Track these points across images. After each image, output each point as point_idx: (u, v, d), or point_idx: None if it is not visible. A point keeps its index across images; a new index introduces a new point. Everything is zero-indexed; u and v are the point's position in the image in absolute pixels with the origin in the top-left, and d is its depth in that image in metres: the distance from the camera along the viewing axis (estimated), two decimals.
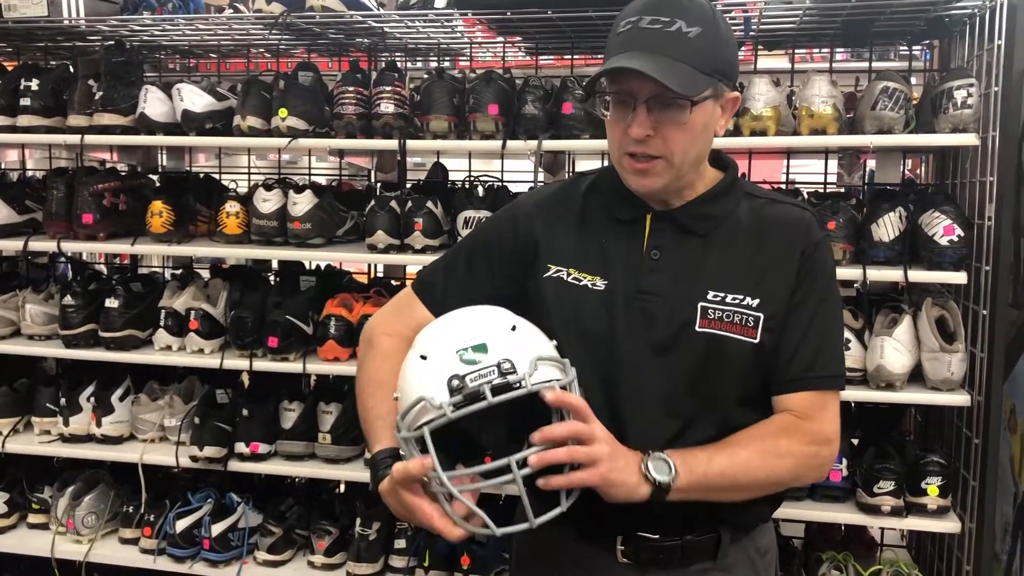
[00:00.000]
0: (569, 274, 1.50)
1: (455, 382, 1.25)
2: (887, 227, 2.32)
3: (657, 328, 1.44)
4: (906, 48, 2.83)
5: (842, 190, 2.86)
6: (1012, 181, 2.25)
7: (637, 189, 1.45)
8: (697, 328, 1.43)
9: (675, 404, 1.44)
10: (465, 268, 1.59)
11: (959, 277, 2.28)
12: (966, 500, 2.34)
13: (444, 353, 1.29)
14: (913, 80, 2.63)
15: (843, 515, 2.39)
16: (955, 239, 2.25)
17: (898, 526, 2.48)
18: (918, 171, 3.19)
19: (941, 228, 2.26)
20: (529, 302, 1.51)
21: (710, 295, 1.44)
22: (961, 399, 2.30)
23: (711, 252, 1.47)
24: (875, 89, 2.30)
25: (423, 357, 1.32)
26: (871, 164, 2.94)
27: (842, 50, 3.02)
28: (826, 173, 2.93)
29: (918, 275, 2.29)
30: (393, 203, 2.60)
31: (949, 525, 2.33)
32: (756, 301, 1.43)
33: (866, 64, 2.73)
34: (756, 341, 1.43)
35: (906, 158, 2.90)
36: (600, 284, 1.48)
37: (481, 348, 1.28)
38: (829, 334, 1.50)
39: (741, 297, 1.44)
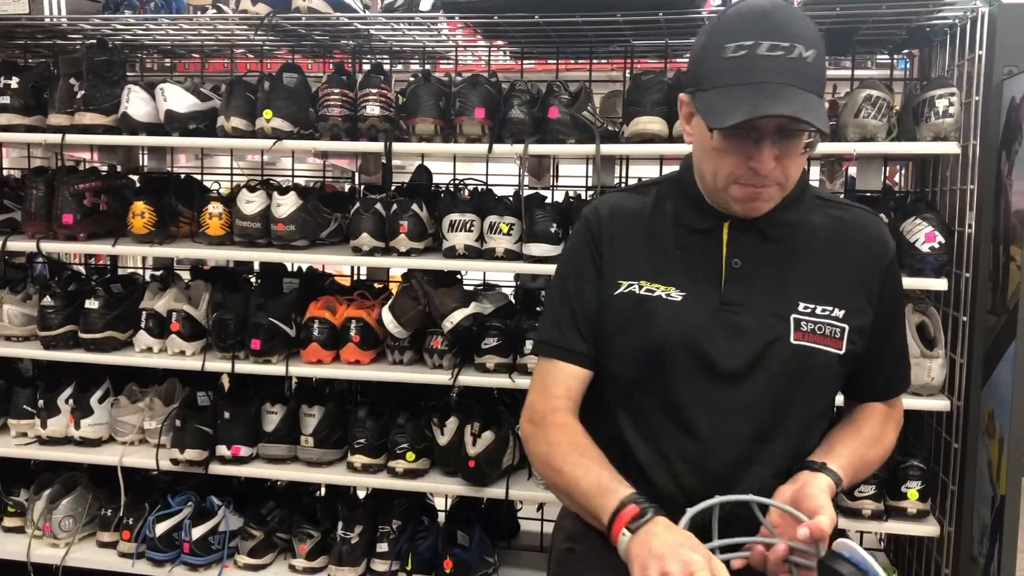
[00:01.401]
0: (641, 287, 1.45)
1: None
2: None
3: (748, 340, 1.40)
4: (885, 57, 2.86)
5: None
6: (992, 189, 2.28)
7: (746, 214, 1.40)
8: (792, 341, 1.40)
9: (760, 418, 1.41)
10: (572, 305, 1.51)
11: (940, 284, 2.30)
12: (945, 504, 2.37)
13: None
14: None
15: None
16: (936, 246, 2.28)
17: (878, 529, 2.51)
18: (896, 178, 3.23)
19: (923, 235, 2.28)
20: (601, 317, 1.47)
21: (801, 307, 1.41)
22: (941, 404, 2.33)
23: (794, 261, 1.44)
24: (858, 97, 2.33)
25: None
26: (852, 171, 2.97)
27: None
28: (808, 180, 2.95)
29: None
30: (378, 206, 2.59)
31: (928, 529, 2.36)
32: (842, 312, 1.43)
33: (847, 72, 2.76)
34: (842, 352, 1.42)
35: (887, 165, 2.93)
36: (676, 295, 1.43)
37: None
38: (904, 348, 1.59)
39: (830, 309, 1.42)
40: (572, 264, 1.54)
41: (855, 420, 1.55)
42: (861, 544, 2.74)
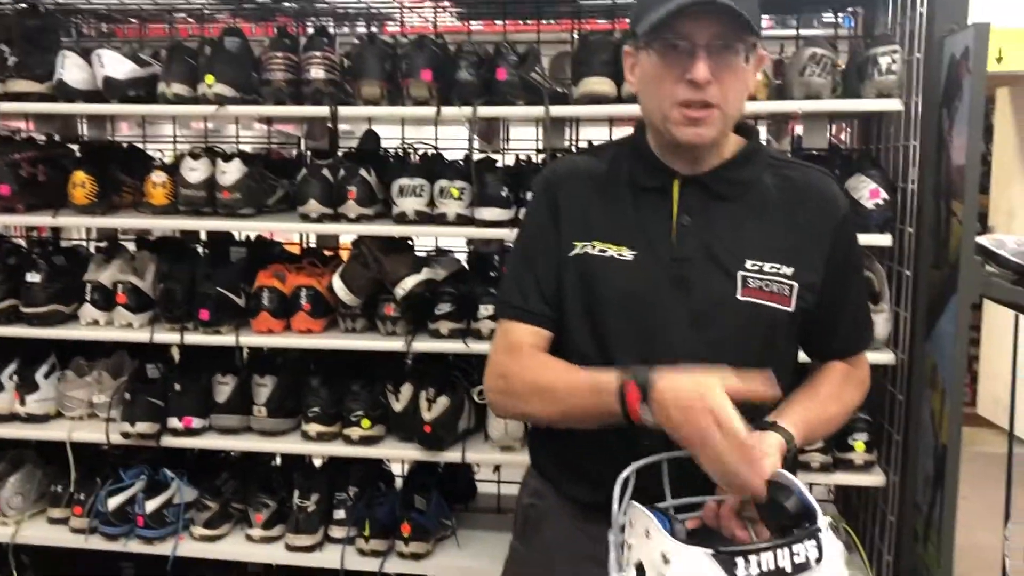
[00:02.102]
0: (595, 247, 1.47)
1: None
2: None
3: (696, 296, 1.41)
4: (830, 15, 2.88)
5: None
6: (934, 145, 2.31)
7: (689, 140, 1.40)
8: (739, 297, 1.42)
9: None
10: (533, 268, 1.52)
11: (884, 239, 2.34)
12: (890, 455, 2.43)
13: None
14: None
15: None
16: (880, 202, 2.31)
17: (827, 481, 2.56)
18: (842, 136, 3.26)
19: (867, 192, 2.32)
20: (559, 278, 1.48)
21: (748, 264, 1.43)
22: (886, 358, 2.38)
23: (744, 219, 1.46)
24: (803, 55, 2.34)
25: None
26: (798, 130, 2.99)
27: (767, 17, 3.06)
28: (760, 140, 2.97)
29: None
30: (325, 171, 2.56)
31: (874, 479, 2.42)
32: (791, 270, 1.44)
33: (791, 31, 2.78)
34: (791, 310, 1.44)
35: (832, 123, 2.96)
36: (628, 255, 1.45)
37: None
38: (863, 304, 1.61)
39: (778, 266, 1.44)
40: (532, 227, 1.56)
41: (813, 379, 1.57)
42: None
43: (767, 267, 1.43)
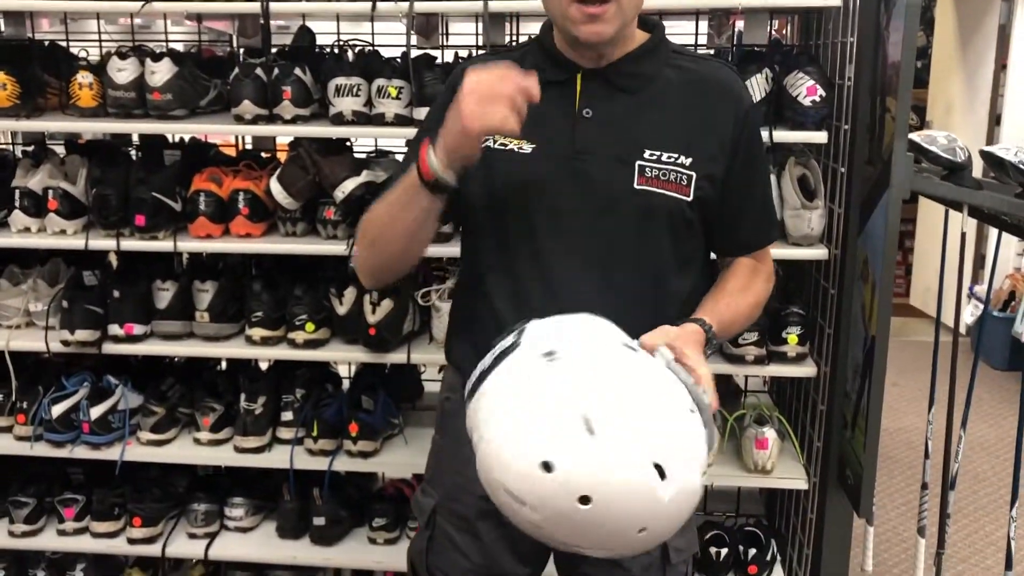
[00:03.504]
0: (496, 141, 1.48)
1: None
2: (755, 88, 2.37)
3: (595, 187, 1.43)
4: None
5: (712, 52, 2.90)
6: (872, 42, 2.32)
7: (588, 38, 1.41)
8: (636, 186, 1.44)
9: (611, 266, 1.47)
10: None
11: (820, 136, 2.37)
12: (822, 346, 2.52)
13: None
14: None
15: (711, 365, 2.52)
16: (817, 99, 2.33)
17: (760, 373, 2.66)
18: (784, 32, 3.26)
19: (804, 88, 2.33)
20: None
21: (646, 153, 1.45)
22: (819, 253, 2.44)
23: (644, 111, 1.47)
24: None
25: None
26: (740, 25, 2.97)
27: None
28: (696, 35, 2.96)
29: (782, 135, 2.38)
30: (259, 71, 2.49)
31: (806, 370, 2.51)
32: (689, 160, 1.46)
33: None
34: (689, 199, 1.46)
35: (774, 19, 2.95)
36: (527, 147, 1.47)
37: None
38: (767, 198, 1.61)
39: (676, 156, 1.45)
40: (433, 115, 1.59)
41: (723, 276, 1.60)
42: (746, 387, 2.92)
43: (664, 156, 1.46)
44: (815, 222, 2.41)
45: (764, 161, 1.61)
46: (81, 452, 2.65)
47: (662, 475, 1.10)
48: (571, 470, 1.08)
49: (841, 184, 2.41)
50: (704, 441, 1.18)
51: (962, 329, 5.00)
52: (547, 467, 1.09)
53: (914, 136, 2.24)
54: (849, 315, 2.44)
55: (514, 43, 2.87)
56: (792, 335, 2.47)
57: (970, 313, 5.37)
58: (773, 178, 2.43)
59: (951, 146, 2.21)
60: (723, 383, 2.85)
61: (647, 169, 1.45)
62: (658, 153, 1.45)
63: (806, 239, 2.43)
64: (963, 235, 2.22)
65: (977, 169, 2.31)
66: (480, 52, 2.50)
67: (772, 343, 2.49)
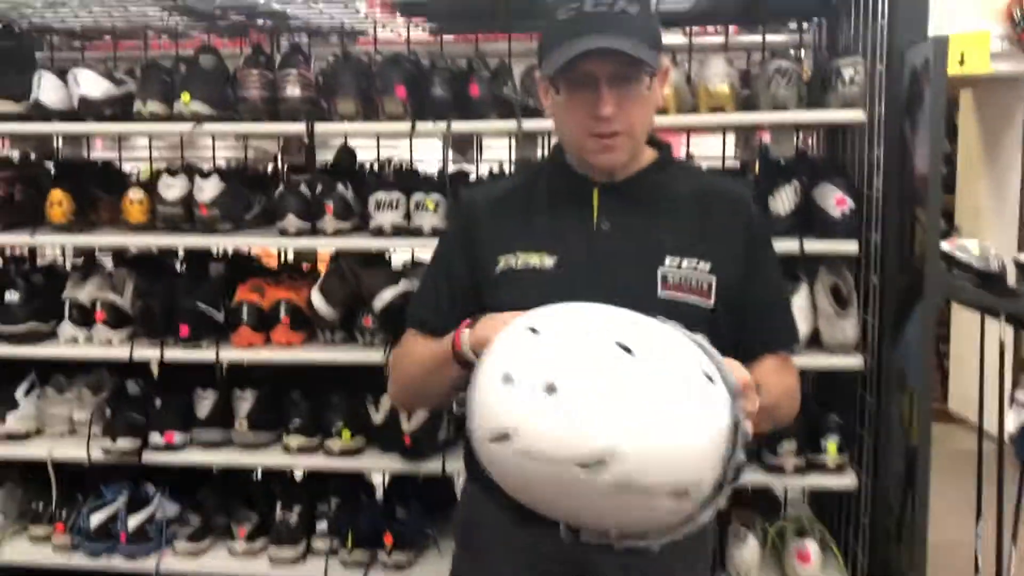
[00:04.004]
0: (518, 259, 1.52)
1: None
2: (783, 200, 2.43)
3: (616, 299, 1.41)
4: (794, 24, 2.94)
5: (738, 165, 2.97)
6: (898, 154, 2.37)
7: (603, 166, 1.49)
8: (660, 295, 1.47)
9: None
10: (435, 284, 1.62)
11: (851, 246, 2.40)
12: (862, 457, 2.49)
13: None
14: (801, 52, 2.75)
15: (749, 476, 2.51)
16: (846, 210, 2.37)
17: (800, 484, 2.61)
18: (809, 142, 3.32)
19: (833, 200, 2.38)
20: (486, 300, 1.52)
21: (667, 260, 1.48)
22: (855, 362, 2.43)
23: (661, 220, 1.52)
24: (769, 68, 2.40)
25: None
26: (766, 138, 3.05)
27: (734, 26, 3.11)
28: (724, 148, 3.03)
29: (813, 245, 2.41)
30: (303, 187, 2.59)
31: (847, 481, 2.47)
32: (708, 264, 1.49)
33: (758, 38, 2.83)
34: (711, 304, 1.48)
35: (799, 132, 3.02)
36: (548, 262, 1.50)
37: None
38: (785, 302, 1.63)
39: (695, 261, 1.49)
40: (442, 246, 1.68)
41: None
42: (785, 499, 2.87)
43: (685, 262, 1.49)
44: (849, 331, 2.41)
45: (776, 267, 1.62)
46: (118, 562, 2.65)
47: (628, 351, 1.12)
48: (530, 367, 1.13)
49: (874, 293, 2.43)
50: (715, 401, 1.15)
51: (1005, 436, 4.88)
52: (507, 378, 1.14)
53: (946, 246, 2.27)
54: (889, 425, 2.41)
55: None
56: (831, 444, 2.44)
57: (1013, 420, 5.25)
58: (805, 287, 2.46)
59: (985, 255, 2.23)
60: (761, 492, 2.81)
61: (669, 276, 1.48)
62: (678, 259, 1.49)
63: (841, 348, 2.43)
64: (1001, 344, 2.21)
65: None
66: (492, 174, 2.62)
67: (811, 452, 2.46)
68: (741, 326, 1.54)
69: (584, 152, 1.49)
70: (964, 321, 5.52)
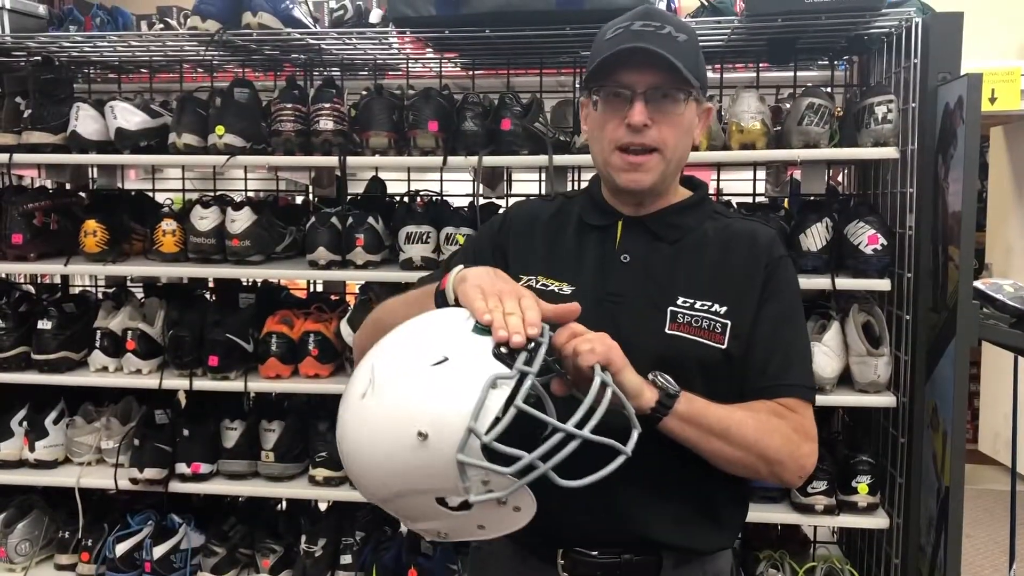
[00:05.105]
0: (538, 281, 1.53)
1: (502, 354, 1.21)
2: (815, 237, 2.42)
3: (622, 330, 1.42)
4: (826, 61, 2.94)
5: (768, 201, 2.97)
6: (930, 192, 2.36)
7: (628, 186, 1.47)
8: (667, 331, 1.46)
9: None
10: (472, 259, 1.57)
11: (883, 284, 2.39)
12: (893, 496, 2.45)
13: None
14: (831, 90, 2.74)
15: (779, 515, 2.48)
16: (879, 248, 2.36)
17: (831, 524, 2.58)
18: (840, 178, 3.32)
19: (865, 237, 2.36)
20: None
21: (680, 300, 1.47)
22: (887, 400, 2.41)
23: (680, 259, 1.51)
24: (801, 105, 2.40)
25: (442, 360, 1.22)
26: (797, 175, 3.05)
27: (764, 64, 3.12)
28: (755, 184, 3.03)
29: (845, 283, 2.40)
30: (334, 219, 2.61)
31: (878, 521, 2.43)
32: (724, 308, 1.47)
33: (789, 73, 2.84)
34: (724, 347, 1.46)
35: (830, 168, 3.02)
36: (567, 289, 1.50)
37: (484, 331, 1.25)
38: (799, 347, 1.52)
39: (709, 304, 1.47)
40: (472, 243, 1.70)
41: (738, 404, 1.46)
42: (815, 538, 2.83)
43: (698, 304, 1.47)
44: (881, 369, 2.39)
45: (793, 312, 1.54)
46: None
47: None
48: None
49: (906, 331, 2.40)
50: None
51: None
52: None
53: (979, 284, 2.25)
54: (920, 464, 2.38)
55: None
56: (862, 484, 2.41)
57: None
58: (837, 325, 2.44)
59: (1020, 294, 2.21)
60: (790, 532, 2.77)
61: (679, 315, 1.46)
62: (691, 301, 1.47)
63: (873, 386, 2.41)
64: None
65: None
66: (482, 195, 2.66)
67: (842, 492, 2.43)
68: (747, 366, 1.48)
69: (611, 169, 1.47)
70: (995, 360, 5.46)
